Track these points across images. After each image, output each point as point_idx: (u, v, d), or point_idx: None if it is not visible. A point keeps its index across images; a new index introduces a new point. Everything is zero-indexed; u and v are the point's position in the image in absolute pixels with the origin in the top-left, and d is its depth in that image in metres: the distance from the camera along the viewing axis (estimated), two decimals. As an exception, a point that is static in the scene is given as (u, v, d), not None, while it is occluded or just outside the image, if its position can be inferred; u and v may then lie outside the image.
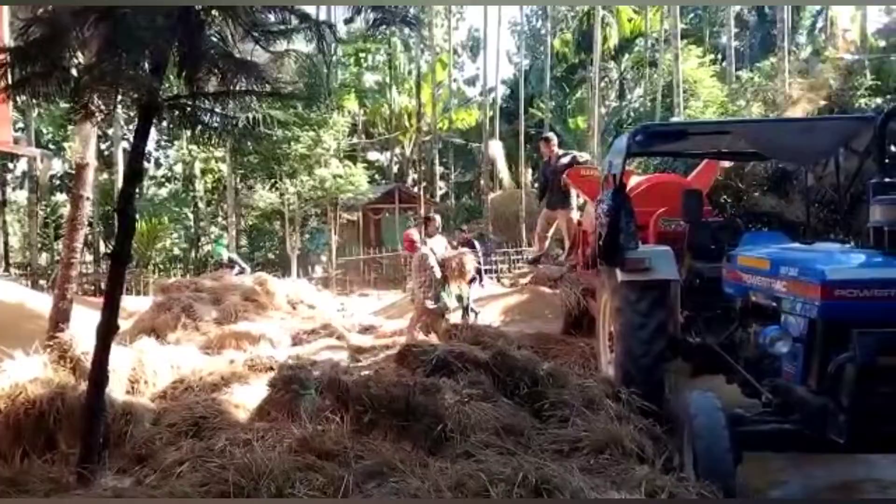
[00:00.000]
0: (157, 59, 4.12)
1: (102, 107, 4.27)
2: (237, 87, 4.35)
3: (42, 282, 18.82)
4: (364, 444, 4.51)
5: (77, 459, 4.56)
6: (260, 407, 5.72)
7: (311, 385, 5.51)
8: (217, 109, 4.59)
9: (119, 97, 4.27)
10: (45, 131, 25.38)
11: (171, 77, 4.57)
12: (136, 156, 4.64)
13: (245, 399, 6.14)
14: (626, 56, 30.31)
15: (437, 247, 9.09)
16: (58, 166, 26.00)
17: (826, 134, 5.67)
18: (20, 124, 21.67)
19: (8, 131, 11.57)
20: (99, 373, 4.55)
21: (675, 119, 17.72)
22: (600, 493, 3.61)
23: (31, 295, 12.90)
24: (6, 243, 27.59)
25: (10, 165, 27.07)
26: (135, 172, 4.58)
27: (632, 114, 28.06)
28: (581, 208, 10.71)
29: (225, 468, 3.99)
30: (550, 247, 12.61)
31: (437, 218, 9.93)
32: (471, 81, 36.91)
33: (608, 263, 6.24)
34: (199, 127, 4.47)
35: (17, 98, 4.47)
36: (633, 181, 8.28)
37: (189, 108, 4.36)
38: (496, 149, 25.88)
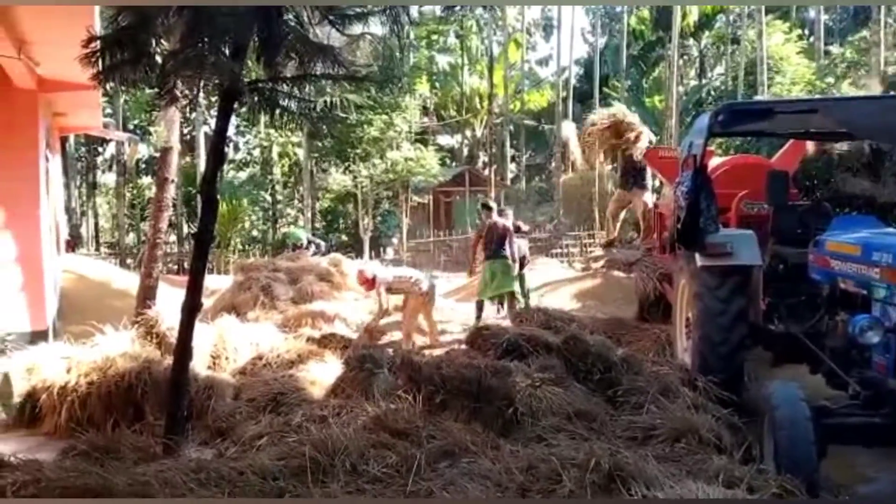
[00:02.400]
0: (237, 44, 4.22)
1: (186, 92, 4.41)
2: (314, 71, 4.41)
3: (129, 261, 19.74)
4: (436, 424, 4.55)
5: (163, 430, 4.77)
6: (335, 384, 5.85)
7: (384, 364, 5.60)
8: (295, 93, 4.67)
9: (202, 82, 4.40)
10: (131, 116, 26.50)
11: (250, 62, 4.67)
12: (219, 139, 4.78)
13: (321, 376, 6.29)
14: (707, 33, 29.20)
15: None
16: (144, 150, 27.12)
17: None
18: (108, 110, 22.72)
19: (98, 117, 12.14)
20: (183, 348, 4.74)
21: (758, 98, 16.99)
22: (675, 482, 3.53)
23: (120, 273, 13.60)
24: (96, 224, 29.07)
25: (100, 149, 28.46)
26: (218, 156, 4.72)
27: (712, 93, 27.05)
28: (657, 191, 10.47)
29: (302, 443, 4.10)
30: (625, 230, 12.39)
31: None
32: (543, 62, 36.30)
33: (687, 247, 6.06)
34: (278, 111, 4.56)
35: (106, 84, 4.66)
36: (713, 162, 8.01)
37: (268, 93, 4.46)
38: (569, 130, 25.38)
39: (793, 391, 4.05)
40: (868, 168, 10.51)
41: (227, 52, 4.20)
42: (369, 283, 8.49)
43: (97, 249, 23.92)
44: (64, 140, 17.65)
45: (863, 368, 4.34)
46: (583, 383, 5.28)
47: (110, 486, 3.59)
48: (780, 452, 3.82)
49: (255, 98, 4.38)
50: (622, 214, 12.03)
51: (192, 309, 4.65)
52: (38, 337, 7.74)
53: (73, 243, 18.94)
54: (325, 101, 4.61)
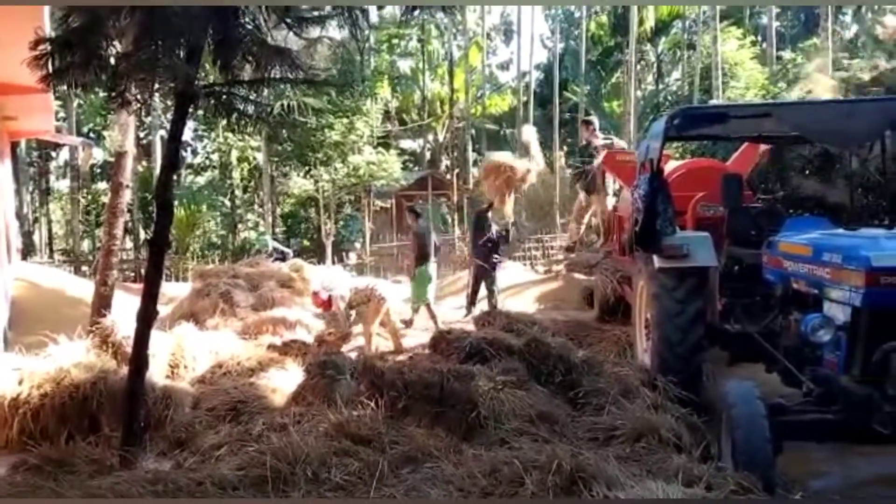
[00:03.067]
0: (192, 47, 4.15)
1: (139, 96, 4.33)
2: (272, 75, 4.37)
3: (84, 268, 19.25)
4: (399, 429, 4.53)
5: (119, 442, 4.65)
6: (296, 392, 5.79)
7: (346, 370, 5.55)
8: (252, 97, 4.62)
9: (156, 85, 4.32)
10: (85, 120, 25.88)
11: (207, 65, 4.61)
12: (174, 144, 4.70)
13: (282, 384, 6.23)
14: (664, 38, 29.72)
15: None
16: (98, 155, 26.47)
17: (872, 116, 5.50)
18: (61, 114, 22.13)
19: (50, 121, 11.82)
20: (138, 358, 4.64)
21: (713, 102, 17.34)
22: (636, 481, 3.57)
23: (74, 281, 13.25)
24: (50, 231, 28.32)
25: (53, 154, 27.75)
26: (172, 161, 4.64)
27: (669, 97, 27.54)
28: (616, 194, 10.59)
29: (263, 453, 4.05)
30: (586, 233, 12.51)
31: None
32: (504, 66, 36.42)
33: (645, 250, 6.15)
34: (235, 115, 4.50)
35: (58, 88, 4.54)
36: (670, 166, 8.14)
37: (224, 96, 4.39)
38: (530, 134, 25.51)
39: (749, 390, 4.13)
40: (819, 171, 10.82)
41: (181, 54, 4.13)
42: (326, 303, 8.47)
43: (51, 257, 23.25)
44: (15, 145, 17.12)
45: (815, 366, 4.44)
46: (545, 386, 5.31)
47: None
48: (738, 450, 3.89)
49: (211, 102, 4.31)
50: (585, 218, 12.14)
51: (147, 318, 4.55)
52: (-13, 348, 7.50)
53: (26, 251, 18.39)
54: (283, 105, 4.57)
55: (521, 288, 13.05)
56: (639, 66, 27.82)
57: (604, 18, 29.53)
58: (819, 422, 4.14)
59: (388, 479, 3.79)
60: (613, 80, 30.00)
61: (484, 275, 10.33)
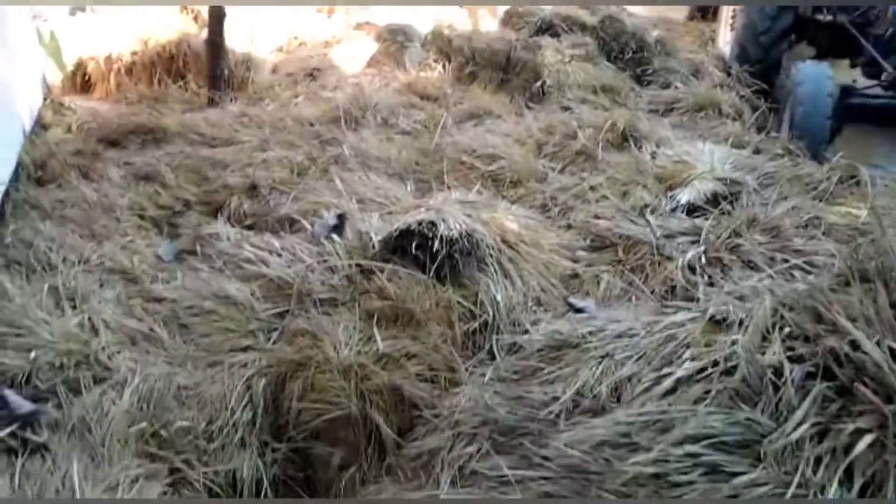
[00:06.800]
0: None
1: None
2: None
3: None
4: (465, 91, 4.70)
5: (206, 87, 5.00)
6: (371, 58, 5.92)
7: (416, 37, 5.61)
8: None
9: None
10: None
11: None
12: None
13: (357, 53, 6.32)
14: None
15: None
16: None
17: None
18: None
19: None
20: (217, 8, 4.78)
21: None
22: (686, 143, 3.72)
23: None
24: None
25: None
26: None
27: None
28: None
29: (336, 100, 4.33)
30: None
31: None
32: None
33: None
34: None
35: None
36: None
37: None
38: None
39: (821, 69, 4.07)
40: None
41: None
42: None
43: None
44: None
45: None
46: (614, 62, 5.29)
47: (163, 125, 3.92)
48: (796, 123, 3.96)
49: None
50: None
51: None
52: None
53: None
54: None
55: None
56: None
57: None
58: (887, 106, 4.10)
59: (451, 130, 4.04)
60: None
61: None
